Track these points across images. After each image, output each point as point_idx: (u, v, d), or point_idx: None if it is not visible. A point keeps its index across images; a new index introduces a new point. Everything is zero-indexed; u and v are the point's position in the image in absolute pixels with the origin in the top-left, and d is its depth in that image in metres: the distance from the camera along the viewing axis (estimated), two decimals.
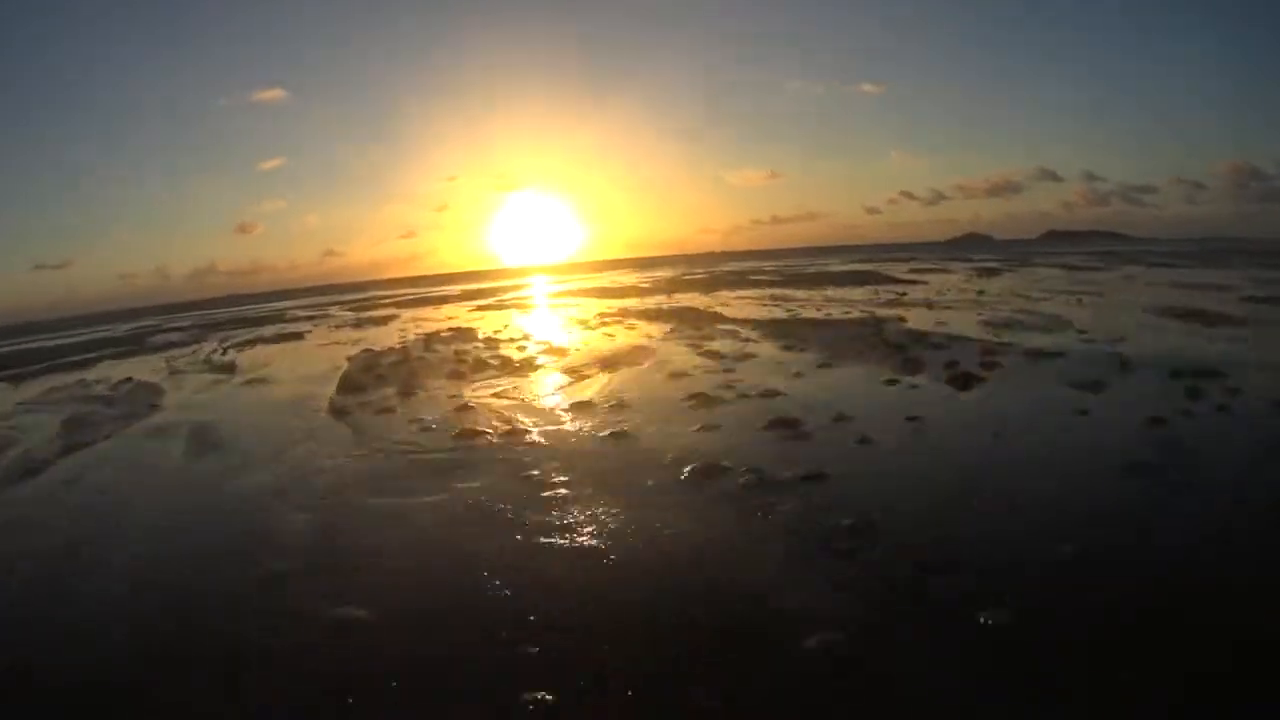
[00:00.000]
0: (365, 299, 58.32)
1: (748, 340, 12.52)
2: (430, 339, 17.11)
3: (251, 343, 22.43)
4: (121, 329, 43.23)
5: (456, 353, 14.00)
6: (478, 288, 59.70)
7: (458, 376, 10.80)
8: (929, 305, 17.01)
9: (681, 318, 17.28)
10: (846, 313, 16.25)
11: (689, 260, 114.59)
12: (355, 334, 22.41)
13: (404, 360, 13.57)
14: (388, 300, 49.63)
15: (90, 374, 16.91)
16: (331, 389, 10.53)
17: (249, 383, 12.57)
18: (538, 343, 15.02)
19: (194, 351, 20.73)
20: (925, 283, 25.51)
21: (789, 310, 17.76)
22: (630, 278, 53.82)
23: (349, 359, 14.69)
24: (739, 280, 36.09)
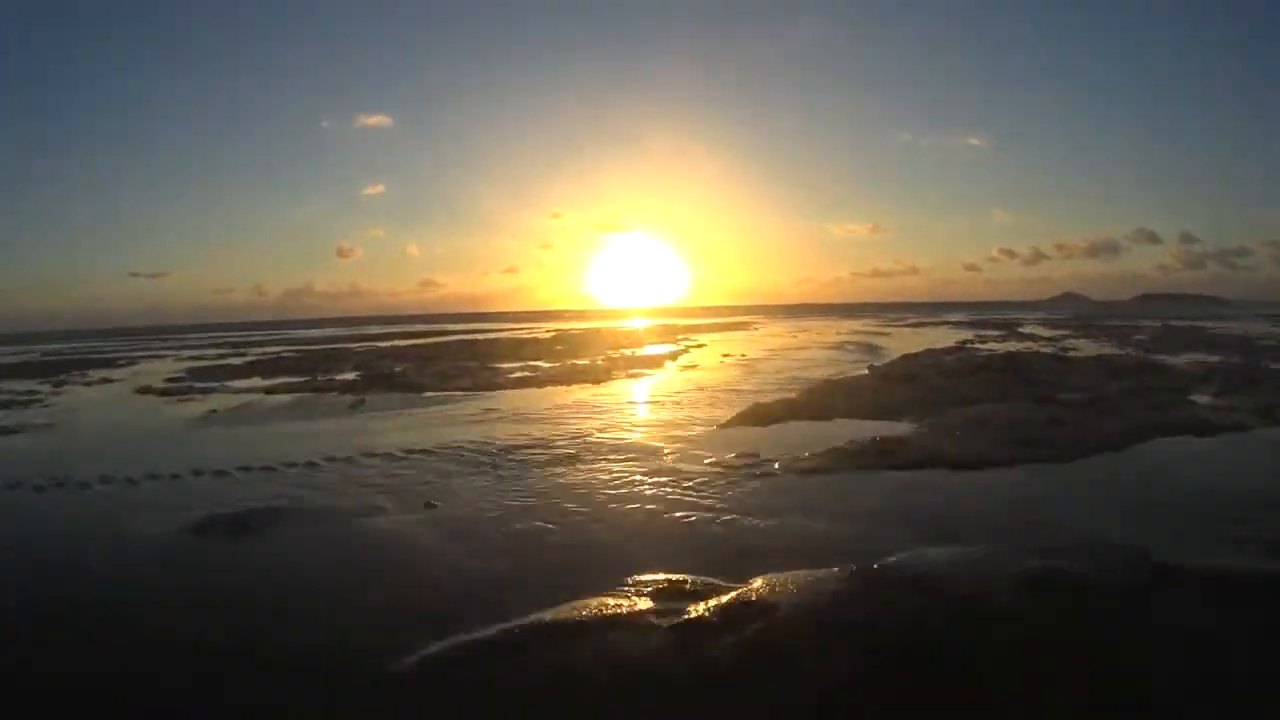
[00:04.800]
0: (419, 331, 40.74)
1: None
2: None
3: None
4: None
5: None
6: (581, 327, 41.08)
7: None
8: None
9: None
10: None
11: (810, 310, 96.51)
12: None
13: None
14: (420, 342, 31.34)
15: None
16: None
17: None
18: None
19: None
20: None
21: None
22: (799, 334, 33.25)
23: None
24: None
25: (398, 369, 17.15)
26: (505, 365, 18.05)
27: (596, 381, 14.54)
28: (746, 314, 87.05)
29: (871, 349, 21.94)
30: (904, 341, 26.51)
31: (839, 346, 23.89)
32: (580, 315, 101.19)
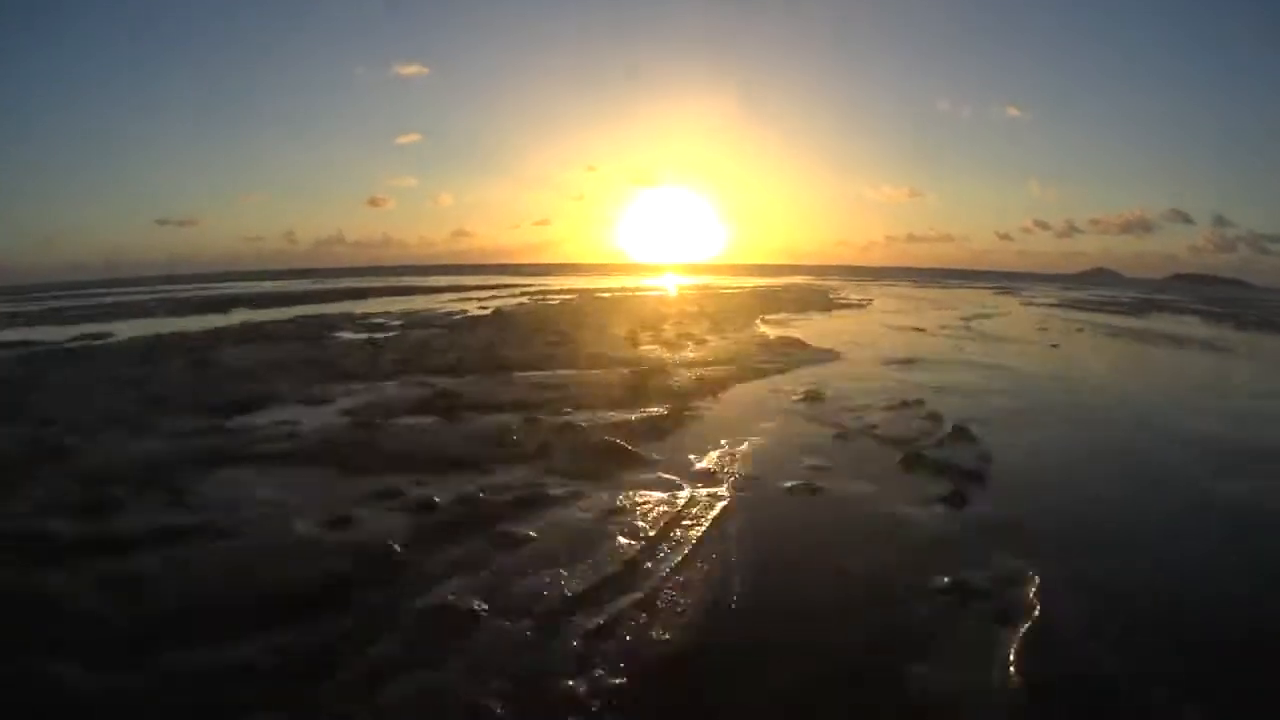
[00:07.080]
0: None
1: None
2: None
3: None
4: None
5: None
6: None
7: None
8: None
9: None
10: None
11: (858, 273, 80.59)
12: None
13: None
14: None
15: None
16: None
17: None
18: None
19: None
20: None
21: None
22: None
23: None
24: None
25: None
26: None
27: None
28: (796, 274, 70.92)
29: None
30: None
31: None
32: (605, 270, 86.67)
